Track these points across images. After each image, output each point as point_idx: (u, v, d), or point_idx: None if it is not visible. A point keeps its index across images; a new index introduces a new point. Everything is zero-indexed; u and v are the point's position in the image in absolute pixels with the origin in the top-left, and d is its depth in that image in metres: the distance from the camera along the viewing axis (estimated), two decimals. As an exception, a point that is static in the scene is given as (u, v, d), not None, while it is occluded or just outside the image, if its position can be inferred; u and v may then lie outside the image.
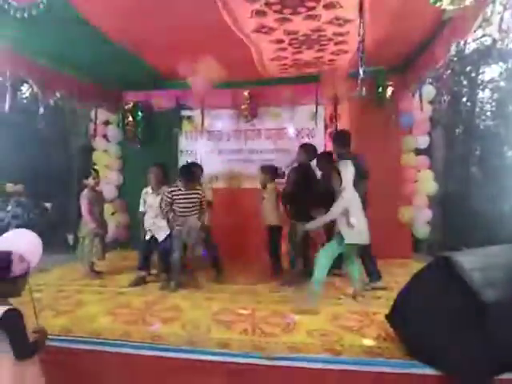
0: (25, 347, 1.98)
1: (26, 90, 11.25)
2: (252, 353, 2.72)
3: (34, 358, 2.07)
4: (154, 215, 4.59)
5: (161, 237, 4.57)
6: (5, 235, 2.28)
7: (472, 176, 9.76)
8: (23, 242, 2.20)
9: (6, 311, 1.93)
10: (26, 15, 3.10)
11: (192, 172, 4.54)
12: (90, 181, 4.84)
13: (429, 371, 2.46)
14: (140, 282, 4.52)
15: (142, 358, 2.78)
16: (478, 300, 2.23)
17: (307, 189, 4.40)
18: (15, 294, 2.06)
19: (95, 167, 5.63)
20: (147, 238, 4.64)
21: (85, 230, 4.75)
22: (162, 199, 4.47)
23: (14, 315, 1.95)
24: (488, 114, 10.72)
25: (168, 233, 4.50)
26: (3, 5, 3.09)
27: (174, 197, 4.36)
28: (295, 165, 4.80)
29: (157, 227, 4.58)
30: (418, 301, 2.68)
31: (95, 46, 4.47)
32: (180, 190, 4.39)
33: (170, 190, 4.40)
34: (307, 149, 4.71)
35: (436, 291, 2.55)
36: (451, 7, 2.57)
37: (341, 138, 4.46)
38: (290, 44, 4.51)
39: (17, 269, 1.99)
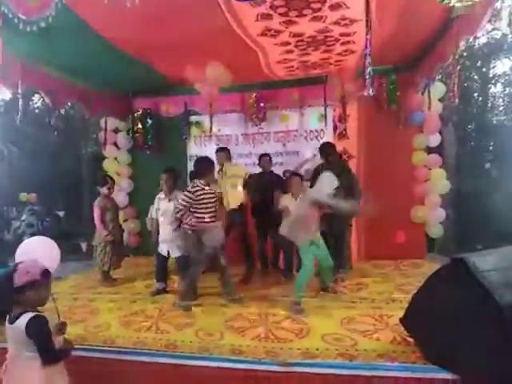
0: (50, 353, 2.02)
1: (37, 100, 11.47)
2: (266, 359, 2.70)
3: (61, 365, 2.13)
4: (168, 222, 4.34)
5: (175, 253, 4.35)
6: (22, 244, 2.35)
7: (486, 173, 9.59)
8: (39, 250, 2.27)
9: (31, 318, 1.98)
10: (34, 28, 3.15)
11: (211, 163, 4.20)
12: (105, 189, 4.87)
13: (445, 375, 2.41)
14: (161, 292, 4.40)
15: (156, 365, 2.79)
16: (495, 302, 2.18)
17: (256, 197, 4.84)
18: (39, 303, 2.09)
19: (109, 175, 5.64)
20: (162, 253, 4.41)
21: (97, 239, 4.78)
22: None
23: (39, 322, 2.00)
24: (501, 108, 10.54)
25: (183, 251, 4.26)
26: (13, 18, 3.14)
27: (198, 197, 3.94)
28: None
29: (172, 242, 4.33)
30: (433, 303, 2.63)
31: (104, 54, 4.51)
32: (203, 188, 4.00)
33: (192, 190, 3.96)
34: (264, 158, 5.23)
35: (451, 293, 2.50)
36: (459, 4, 2.52)
37: (326, 149, 4.92)
38: (296, 46, 4.49)
39: (19, 279, 2.00)
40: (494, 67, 10.32)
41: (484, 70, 10.23)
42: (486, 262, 2.39)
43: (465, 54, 9.06)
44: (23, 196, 8.31)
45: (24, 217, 7.92)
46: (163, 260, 4.46)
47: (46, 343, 2.01)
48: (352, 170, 5.11)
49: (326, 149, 4.91)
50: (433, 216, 5.81)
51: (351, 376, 2.51)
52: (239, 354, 2.81)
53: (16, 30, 3.13)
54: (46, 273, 2.09)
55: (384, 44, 4.01)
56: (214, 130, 6.01)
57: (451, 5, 2.54)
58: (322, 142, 5.50)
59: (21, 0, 3.13)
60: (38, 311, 2.06)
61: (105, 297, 4.39)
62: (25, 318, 1.98)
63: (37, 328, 1.97)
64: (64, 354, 2.14)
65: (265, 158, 5.23)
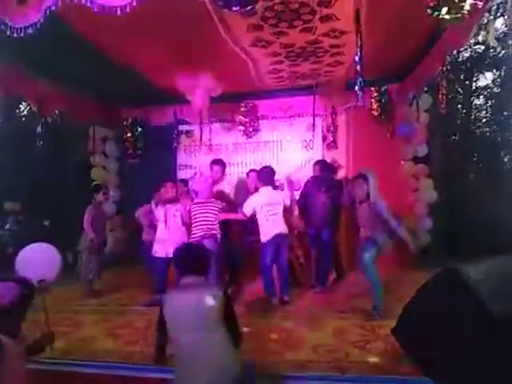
0: None
1: (24, 108, 11.28)
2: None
3: None
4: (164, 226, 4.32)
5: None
6: (24, 250, 2.25)
7: (470, 183, 9.75)
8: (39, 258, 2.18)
9: None
10: (22, 35, 3.10)
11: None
12: (100, 195, 4.80)
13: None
14: (156, 304, 4.18)
15: (144, 380, 2.71)
16: (487, 312, 2.17)
17: None
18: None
19: (106, 184, 5.60)
20: (159, 254, 4.27)
21: (84, 244, 4.65)
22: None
23: None
24: (483, 120, 10.77)
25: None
26: (0, 25, 3.09)
27: (193, 211, 3.95)
28: None
29: (169, 241, 4.19)
30: (425, 314, 2.62)
31: (93, 62, 4.47)
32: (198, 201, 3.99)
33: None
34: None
35: (443, 304, 2.48)
36: (449, 16, 2.57)
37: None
38: (286, 57, 4.53)
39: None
40: (476, 80, 10.57)
41: (467, 82, 10.47)
42: (478, 271, 2.39)
43: (448, 67, 9.26)
44: (7, 205, 8.12)
45: (8, 226, 7.73)
46: (163, 267, 4.20)
47: None
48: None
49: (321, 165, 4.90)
50: (420, 225, 5.86)
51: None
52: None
53: (2, 35, 3.08)
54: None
55: (373, 56, 4.07)
56: (204, 139, 5.99)
57: (441, 17, 2.59)
58: (316, 159, 5.40)
59: (9, 6, 3.08)
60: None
61: (90, 309, 4.26)
62: None
63: None
64: None
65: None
